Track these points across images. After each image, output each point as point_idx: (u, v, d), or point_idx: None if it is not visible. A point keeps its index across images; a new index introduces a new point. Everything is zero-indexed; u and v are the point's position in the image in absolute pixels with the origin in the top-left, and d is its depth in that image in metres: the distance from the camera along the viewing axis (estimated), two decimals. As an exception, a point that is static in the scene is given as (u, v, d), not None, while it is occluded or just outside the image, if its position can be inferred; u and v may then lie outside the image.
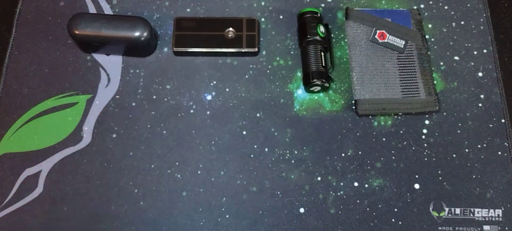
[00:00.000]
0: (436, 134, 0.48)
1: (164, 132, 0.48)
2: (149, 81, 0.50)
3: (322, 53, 0.49)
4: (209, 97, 0.49)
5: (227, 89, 0.50)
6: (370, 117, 0.49)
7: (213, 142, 0.48)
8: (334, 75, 0.51)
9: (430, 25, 0.53)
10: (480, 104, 0.49)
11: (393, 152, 0.47)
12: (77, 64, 0.51)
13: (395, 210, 0.45)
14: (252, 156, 0.47)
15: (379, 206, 0.45)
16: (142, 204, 0.45)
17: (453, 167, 0.47)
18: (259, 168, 0.47)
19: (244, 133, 0.48)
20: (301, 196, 0.46)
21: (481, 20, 0.53)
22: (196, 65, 0.51)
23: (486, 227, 0.45)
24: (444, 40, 0.52)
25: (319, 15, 0.51)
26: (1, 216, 0.45)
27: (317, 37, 0.49)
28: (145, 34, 0.48)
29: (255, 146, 0.47)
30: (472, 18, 0.53)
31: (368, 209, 0.45)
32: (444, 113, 0.49)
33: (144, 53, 0.51)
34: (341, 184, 0.46)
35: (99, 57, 0.51)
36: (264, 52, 0.51)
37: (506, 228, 0.45)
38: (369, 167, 0.47)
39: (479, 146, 0.48)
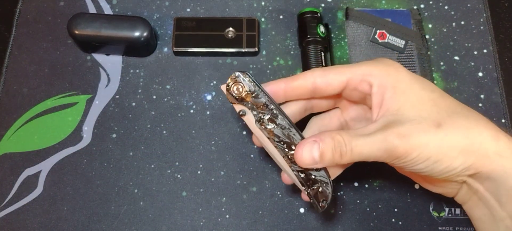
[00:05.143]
0: (436, 134, 0.48)
1: (164, 132, 0.48)
2: (149, 81, 0.50)
3: (322, 53, 0.49)
4: (209, 97, 0.49)
5: (227, 89, 0.50)
6: (370, 116, 0.49)
7: (213, 142, 0.48)
8: (334, 75, 0.51)
9: (430, 25, 0.53)
10: (480, 104, 0.49)
11: (393, 152, 0.47)
12: (77, 64, 0.51)
13: (395, 210, 0.45)
14: (252, 156, 0.47)
15: (379, 206, 0.45)
16: (142, 204, 0.45)
17: (453, 167, 0.47)
18: (259, 168, 0.47)
19: (244, 133, 0.48)
20: (301, 196, 0.46)
21: (481, 20, 0.53)
22: (196, 65, 0.51)
23: (486, 227, 0.45)
24: (444, 40, 0.52)
25: (319, 15, 0.51)
26: (1, 216, 0.44)
27: (317, 37, 0.49)
28: (145, 34, 0.48)
29: (255, 146, 0.47)
30: (472, 18, 0.53)
31: (368, 209, 0.45)
32: (444, 114, 0.49)
33: (144, 53, 0.51)
34: (341, 184, 0.46)
35: (99, 57, 0.51)
36: (264, 52, 0.51)
37: (506, 228, 0.45)
38: (369, 167, 0.47)
39: (479, 146, 0.47)
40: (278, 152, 0.36)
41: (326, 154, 0.32)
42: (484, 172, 0.30)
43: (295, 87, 0.36)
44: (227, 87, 0.36)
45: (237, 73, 0.36)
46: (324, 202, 0.36)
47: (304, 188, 0.36)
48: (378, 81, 0.33)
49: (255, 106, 0.36)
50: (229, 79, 0.36)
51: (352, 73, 0.34)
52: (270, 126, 0.36)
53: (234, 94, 0.36)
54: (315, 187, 0.36)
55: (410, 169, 0.32)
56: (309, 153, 0.33)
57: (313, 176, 0.36)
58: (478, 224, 0.34)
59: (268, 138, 0.36)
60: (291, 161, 0.35)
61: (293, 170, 0.36)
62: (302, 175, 0.36)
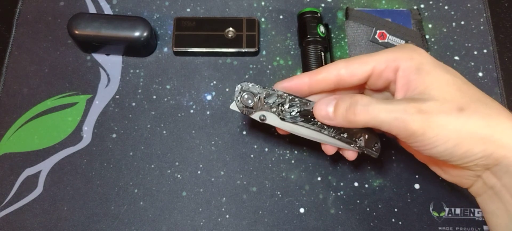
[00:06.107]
0: (436, 134, 0.48)
1: (164, 132, 0.48)
2: (149, 81, 0.50)
3: (322, 53, 0.49)
4: (209, 97, 0.49)
5: (227, 89, 0.50)
6: (370, 116, 0.49)
7: (213, 142, 0.48)
8: (334, 75, 0.51)
9: (430, 25, 0.53)
10: (480, 104, 0.49)
11: (393, 151, 0.47)
12: (77, 64, 0.51)
13: (395, 210, 0.45)
14: (252, 156, 0.47)
15: (379, 206, 0.45)
16: (142, 204, 0.45)
17: (453, 167, 0.47)
18: (259, 168, 0.47)
19: (244, 133, 0.48)
20: (301, 196, 0.45)
21: (481, 20, 0.53)
22: (196, 65, 0.51)
23: (486, 228, 0.45)
24: (444, 40, 0.52)
25: (319, 15, 0.51)
26: (1, 216, 0.44)
27: (317, 37, 0.49)
28: (145, 34, 0.48)
29: (255, 146, 0.47)
30: (472, 18, 0.53)
31: (368, 209, 0.45)
32: (444, 113, 0.49)
33: (144, 53, 0.51)
34: (341, 184, 0.46)
35: (99, 57, 0.51)
36: (264, 52, 0.51)
37: (506, 228, 0.45)
38: (369, 167, 0.47)
39: (479, 146, 0.47)
40: (312, 129, 0.36)
41: (339, 109, 0.33)
42: (504, 164, 0.30)
43: (320, 80, 0.36)
44: (237, 102, 0.36)
45: (238, 87, 0.36)
46: (377, 144, 0.37)
47: (352, 145, 0.37)
48: (403, 65, 0.33)
49: (271, 105, 0.36)
50: (235, 96, 0.36)
51: (376, 61, 0.34)
52: (294, 112, 0.36)
53: (247, 106, 0.36)
54: (362, 137, 0.36)
55: (428, 152, 0.31)
56: (325, 107, 0.34)
57: (354, 129, 0.36)
58: (491, 217, 0.33)
59: (296, 124, 0.36)
60: (328, 130, 0.36)
61: (334, 137, 0.36)
62: (345, 135, 0.36)
